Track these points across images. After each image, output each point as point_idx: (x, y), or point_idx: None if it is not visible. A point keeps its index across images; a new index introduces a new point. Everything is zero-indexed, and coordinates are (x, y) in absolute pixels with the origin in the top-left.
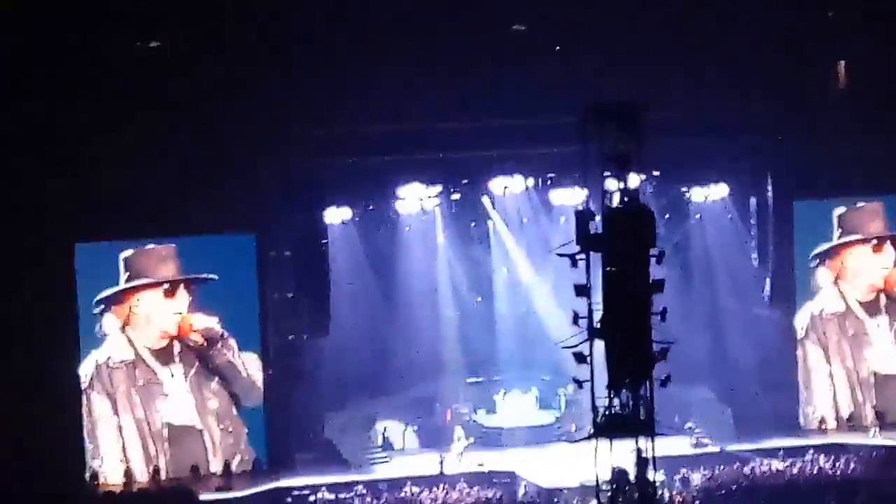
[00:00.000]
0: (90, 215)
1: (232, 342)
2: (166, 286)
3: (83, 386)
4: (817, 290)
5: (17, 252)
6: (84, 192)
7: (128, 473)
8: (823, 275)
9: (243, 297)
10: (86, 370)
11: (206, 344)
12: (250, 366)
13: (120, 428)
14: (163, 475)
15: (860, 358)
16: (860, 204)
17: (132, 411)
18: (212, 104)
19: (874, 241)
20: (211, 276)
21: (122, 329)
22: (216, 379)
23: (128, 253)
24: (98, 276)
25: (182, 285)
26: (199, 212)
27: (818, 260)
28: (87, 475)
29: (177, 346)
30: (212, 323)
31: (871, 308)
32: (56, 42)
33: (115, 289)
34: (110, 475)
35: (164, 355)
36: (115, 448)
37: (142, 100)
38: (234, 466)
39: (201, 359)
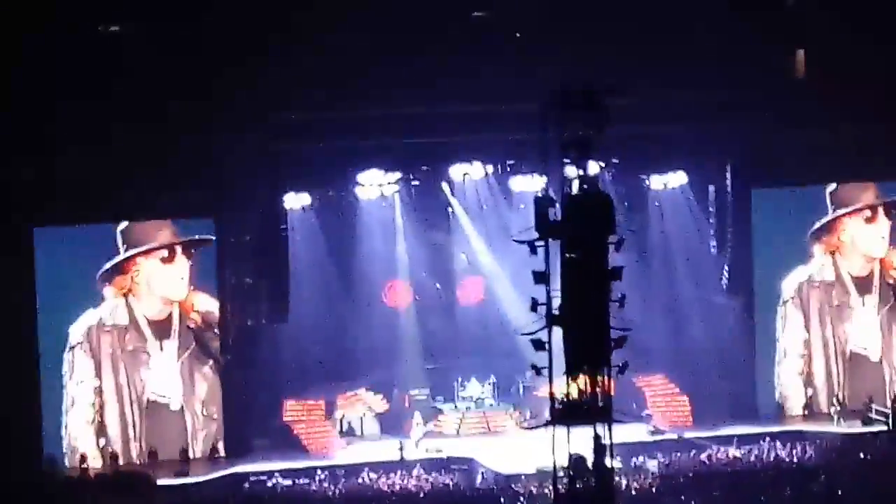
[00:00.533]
0: (47, 201)
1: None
2: (164, 252)
3: (70, 345)
4: (810, 260)
5: None
6: (41, 177)
7: (82, 457)
8: (818, 249)
9: (202, 282)
10: (77, 329)
11: (203, 326)
12: None
13: (100, 390)
14: (137, 448)
15: (840, 331)
16: None
17: (114, 375)
18: (172, 89)
19: (867, 213)
20: (207, 236)
21: (125, 298)
22: (210, 363)
23: (124, 225)
24: (98, 253)
25: (181, 250)
26: (159, 196)
27: (815, 237)
28: (43, 462)
29: (176, 323)
30: (212, 307)
31: (863, 285)
32: (17, 24)
33: (114, 260)
34: (80, 450)
35: (161, 328)
36: (89, 414)
37: (101, 83)
38: (221, 451)
39: (199, 340)
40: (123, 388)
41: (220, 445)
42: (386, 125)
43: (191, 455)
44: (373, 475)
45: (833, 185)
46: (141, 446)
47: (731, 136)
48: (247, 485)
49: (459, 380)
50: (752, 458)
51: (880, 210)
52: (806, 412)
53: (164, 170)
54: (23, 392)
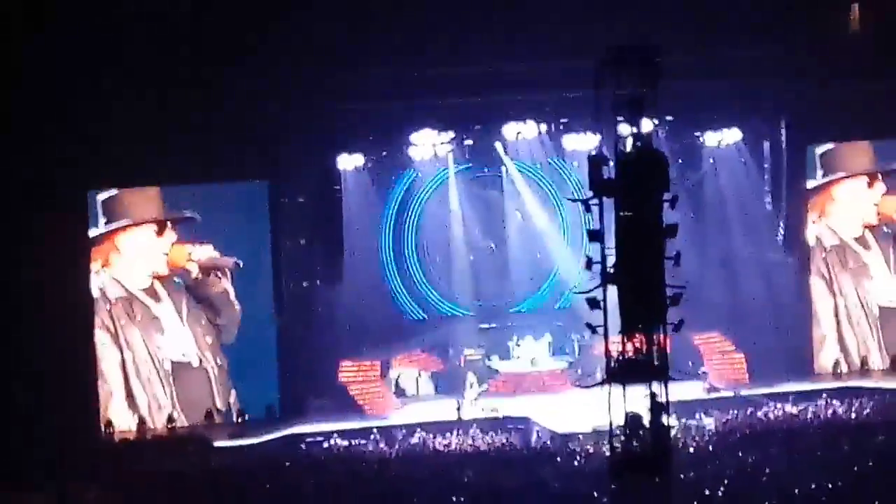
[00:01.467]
0: (103, 164)
1: (229, 273)
2: (155, 226)
3: None
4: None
5: (28, 202)
6: (98, 140)
7: (141, 421)
8: (816, 209)
9: (255, 244)
10: None
11: (201, 274)
12: (236, 303)
13: (123, 364)
14: (165, 415)
15: (863, 290)
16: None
17: (133, 347)
18: (225, 51)
19: (866, 178)
20: (192, 214)
21: (99, 270)
22: (204, 312)
23: (105, 196)
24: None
25: (169, 225)
26: (213, 159)
27: (809, 195)
28: (103, 424)
29: (158, 285)
30: (209, 251)
31: (863, 243)
32: None
33: (100, 231)
34: (118, 418)
35: (151, 294)
36: (119, 386)
37: (155, 47)
38: (232, 405)
39: (190, 292)
40: (146, 356)
41: (233, 397)
42: (439, 84)
43: (218, 407)
44: (428, 435)
45: (827, 146)
46: (172, 409)
47: (785, 92)
48: (303, 446)
49: (514, 339)
50: (809, 415)
51: (879, 177)
52: (862, 368)
53: (217, 133)
54: (79, 355)
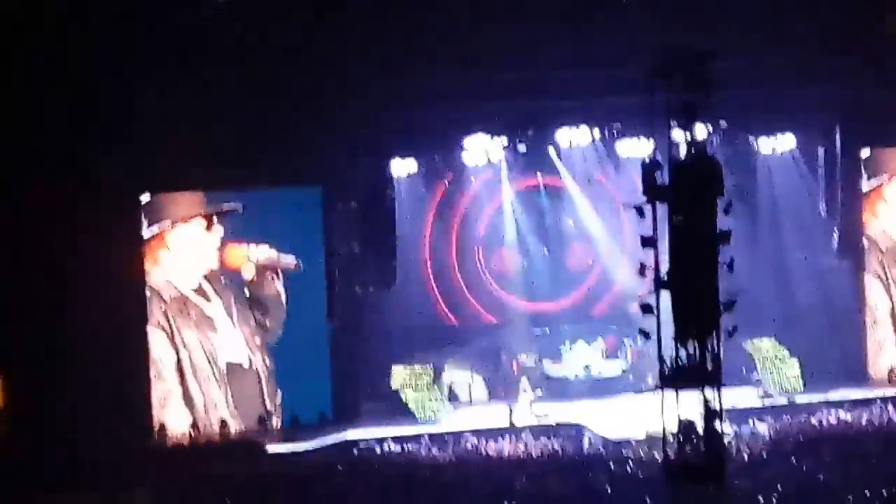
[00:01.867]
0: (157, 169)
1: (281, 272)
2: (203, 220)
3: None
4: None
5: (84, 205)
6: (151, 146)
7: (194, 424)
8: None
9: (309, 249)
10: None
11: (256, 275)
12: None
13: (180, 363)
14: (218, 417)
15: None
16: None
17: (189, 346)
18: (278, 57)
19: None
20: (234, 206)
21: (150, 269)
22: (251, 311)
23: (147, 198)
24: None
25: (215, 219)
26: (265, 164)
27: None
28: (156, 427)
29: (207, 285)
30: (266, 251)
31: None
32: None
33: (150, 233)
34: (173, 421)
35: (201, 294)
36: (176, 385)
37: (208, 53)
38: (273, 412)
39: (241, 292)
40: (202, 355)
41: (279, 398)
42: (492, 90)
43: (268, 408)
44: (480, 441)
45: (867, 152)
46: (229, 411)
47: (840, 98)
48: (356, 451)
49: (567, 344)
50: (864, 423)
51: None
52: None
53: (270, 138)
54: (132, 357)
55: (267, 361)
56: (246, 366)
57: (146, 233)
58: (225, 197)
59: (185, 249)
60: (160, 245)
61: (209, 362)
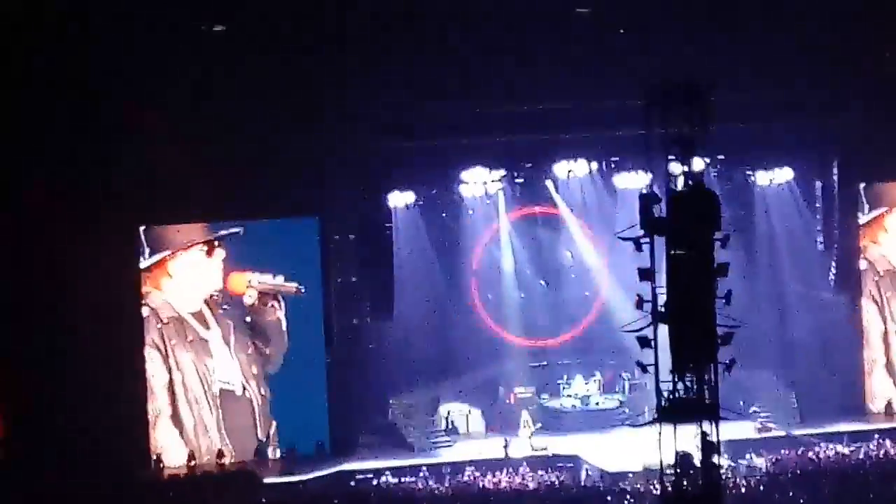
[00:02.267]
0: (154, 200)
1: (283, 302)
2: (204, 246)
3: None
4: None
5: (80, 236)
6: (148, 177)
7: (190, 455)
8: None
9: (306, 280)
10: None
11: (258, 301)
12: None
13: (171, 384)
14: (209, 442)
15: None
16: None
17: (182, 367)
18: (277, 87)
19: None
20: (236, 229)
21: (150, 292)
22: (251, 340)
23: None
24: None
25: (216, 243)
26: (263, 195)
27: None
28: (153, 456)
29: (207, 311)
30: (269, 279)
31: None
32: (120, 26)
33: (154, 259)
34: (169, 448)
35: (200, 319)
36: (166, 405)
37: (206, 83)
38: (269, 441)
39: (243, 319)
40: (195, 378)
41: (273, 428)
42: (490, 123)
43: (259, 437)
44: (477, 473)
45: (864, 183)
46: (220, 436)
47: (837, 132)
48: (353, 482)
49: (565, 377)
50: (861, 456)
51: None
52: None
53: (268, 169)
54: (129, 389)
55: (263, 390)
56: (239, 393)
57: (147, 260)
58: (224, 225)
59: (186, 274)
60: (162, 272)
61: (202, 385)
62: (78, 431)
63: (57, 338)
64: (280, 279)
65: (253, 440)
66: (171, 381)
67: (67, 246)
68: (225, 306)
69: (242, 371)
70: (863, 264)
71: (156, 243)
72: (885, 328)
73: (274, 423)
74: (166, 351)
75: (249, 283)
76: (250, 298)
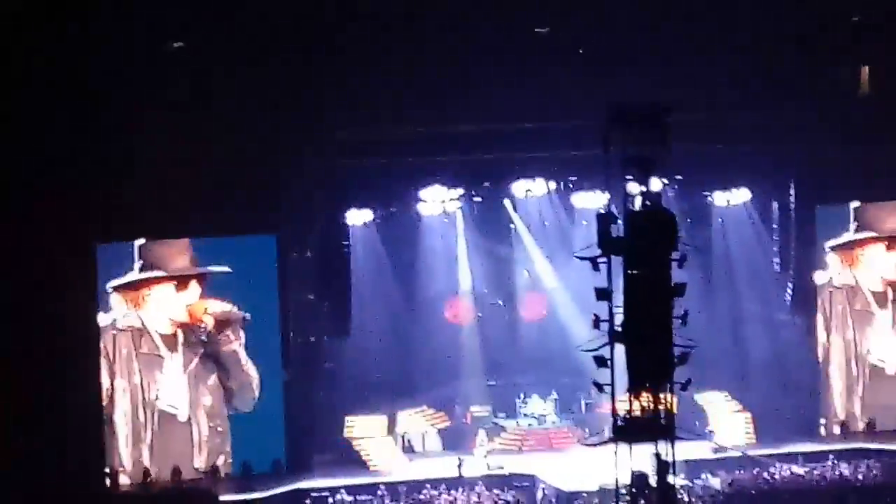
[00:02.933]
0: (111, 216)
1: (241, 332)
2: (177, 281)
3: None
4: (827, 267)
5: (37, 253)
6: (104, 193)
7: (146, 472)
8: (834, 258)
9: (263, 297)
10: None
11: (214, 330)
12: (250, 366)
13: (111, 392)
14: (147, 454)
15: (862, 335)
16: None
17: (129, 376)
18: (234, 105)
19: (887, 241)
20: (223, 268)
21: (135, 309)
22: (216, 372)
23: (142, 241)
24: (111, 263)
25: (195, 279)
26: (220, 212)
27: (833, 249)
28: (109, 474)
29: (181, 336)
30: (226, 307)
31: (879, 298)
32: (79, 43)
33: (128, 279)
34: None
35: (169, 341)
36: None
37: (163, 100)
38: (220, 467)
39: (205, 348)
40: (137, 390)
41: (221, 461)
42: (448, 141)
43: (196, 466)
44: (434, 492)
45: (858, 202)
46: (151, 453)
47: (794, 154)
48: (308, 501)
49: (521, 396)
50: (816, 476)
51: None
52: (866, 429)
53: (227, 187)
54: (85, 405)
55: (213, 423)
56: (182, 419)
57: (131, 277)
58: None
59: (165, 298)
60: (144, 290)
61: (141, 398)
62: (32, 444)
63: (11, 344)
64: (231, 307)
65: (186, 468)
66: (111, 387)
67: (25, 257)
68: (198, 336)
69: (192, 399)
70: (823, 278)
71: (146, 261)
72: (843, 350)
73: (222, 458)
74: (113, 357)
75: (206, 310)
76: (207, 326)
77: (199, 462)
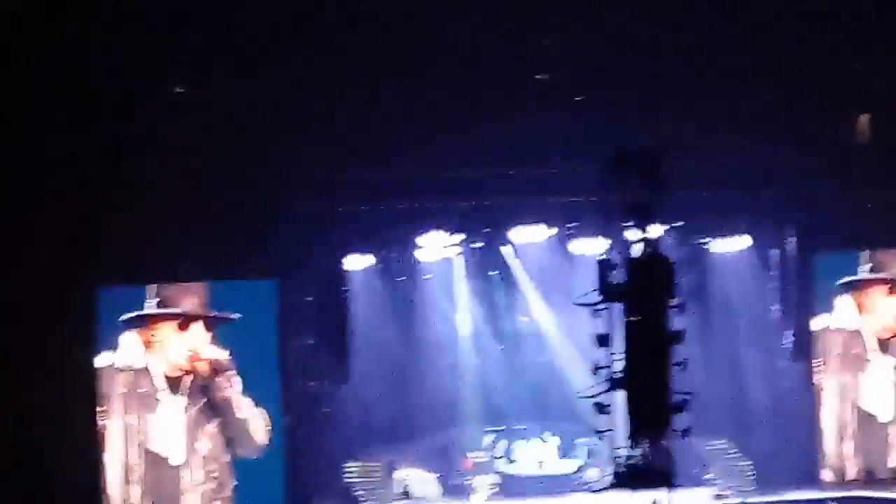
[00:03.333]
0: (110, 261)
1: (235, 380)
2: (180, 320)
3: None
4: (832, 310)
5: (37, 298)
6: (103, 237)
7: None
8: (845, 301)
9: (262, 343)
10: None
11: (209, 375)
12: (250, 412)
13: (104, 429)
14: (134, 500)
15: (854, 381)
16: None
17: (123, 414)
18: (232, 149)
19: (890, 284)
20: (232, 315)
21: (144, 349)
22: (216, 420)
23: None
24: (122, 303)
25: (201, 322)
26: (219, 257)
27: (842, 290)
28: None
29: (186, 379)
30: (220, 354)
31: (883, 344)
32: (78, 86)
33: (136, 313)
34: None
35: (173, 383)
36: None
37: (161, 144)
38: None
39: (206, 394)
40: (130, 428)
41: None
42: (448, 187)
43: None
44: None
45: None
46: (141, 496)
47: (795, 201)
48: None
49: (521, 442)
50: None
51: None
52: (865, 477)
53: (227, 231)
54: (86, 450)
55: (208, 468)
56: (172, 463)
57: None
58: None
59: (166, 341)
60: (154, 330)
61: (136, 444)
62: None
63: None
64: (224, 353)
65: None
66: (104, 427)
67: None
68: (198, 381)
69: (188, 444)
70: (822, 322)
71: (162, 299)
72: (838, 395)
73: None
74: (109, 396)
75: (199, 356)
76: (201, 371)
77: None
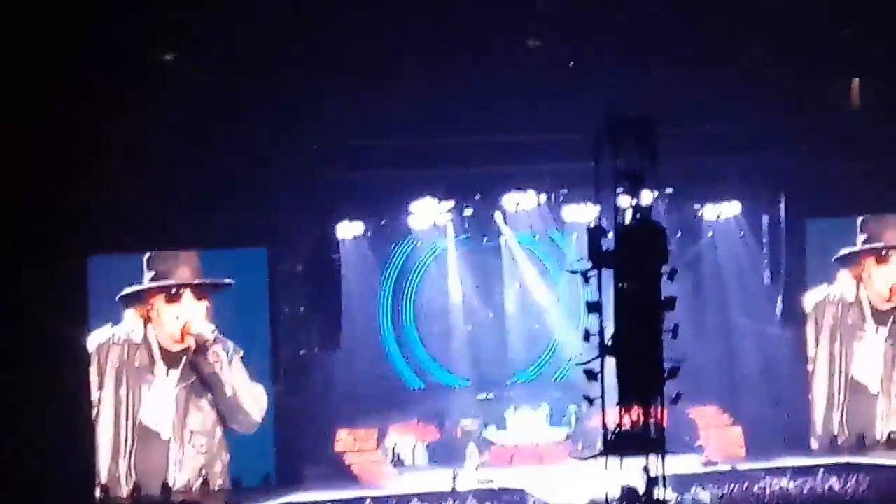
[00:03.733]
0: (101, 229)
1: (222, 354)
2: (172, 290)
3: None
4: (834, 282)
5: (28, 266)
6: (94, 206)
7: (136, 486)
8: (845, 274)
9: (254, 311)
10: (89, 346)
11: (195, 350)
12: (241, 387)
13: (98, 402)
14: (125, 467)
15: (847, 351)
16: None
17: (115, 388)
18: (223, 116)
19: (882, 252)
20: (225, 280)
21: (144, 323)
22: (208, 394)
23: (149, 253)
24: (122, 275)
25: (190, 291)
26: (210, 225)
27: (841, 263)
28: (98, 488)
29: (182, 356)
30: (205, 329)
31: (880, 316)
32: (70, 55)
33: (134, 288)
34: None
35: (172, 357)
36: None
37: (153, 112)
38: (196, 485)
39: (197, 368)
40: (122, 402)
41: (198, 484)
42: (439, 154)
43: (169, 484)
44: None
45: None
46: (130, 468)
47: (785, 167)
48: None
49: (512, 409)
50: (806, 491)
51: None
52: (855, 443)
53: (217, 199)
54: (76, 422)
55: (198, 442)
56: (163, 437)
57: (140, 286)
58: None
59: (163, 313)
60: (152, 303)
61: (125, 411)
62: (20, 456)
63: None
64: (212, 328)
65: (157, 482)
66: (98, 400)
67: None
68: (190, 356)
69: (178, 419)
70: (817, 292)
71: (155, 271)
72: (828, 364)
73: (200, 480)
74: (103, 369)
75: (188, 329)
76: (191, 345)
77: (180, 481)
